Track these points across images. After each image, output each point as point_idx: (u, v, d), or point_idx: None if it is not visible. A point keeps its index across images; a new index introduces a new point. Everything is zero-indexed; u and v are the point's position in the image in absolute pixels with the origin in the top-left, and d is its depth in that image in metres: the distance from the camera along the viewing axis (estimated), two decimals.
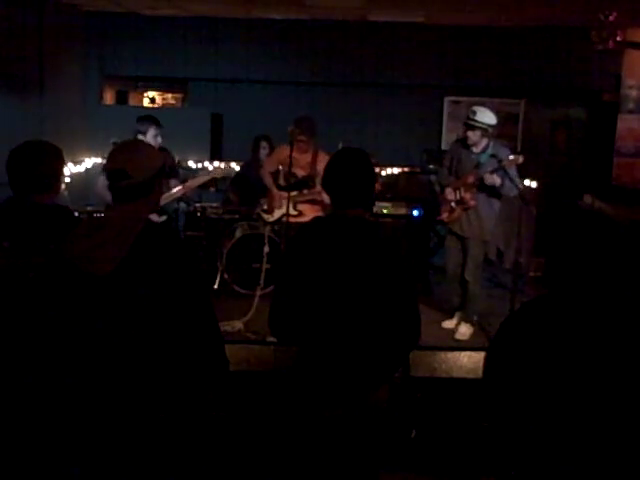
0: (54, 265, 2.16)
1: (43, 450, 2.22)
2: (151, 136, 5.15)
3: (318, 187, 5.18)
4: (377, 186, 4.43)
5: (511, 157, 4.80)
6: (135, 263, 2.06)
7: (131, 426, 2.09)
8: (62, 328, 2.12)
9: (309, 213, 5.03)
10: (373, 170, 2.59)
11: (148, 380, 2.10)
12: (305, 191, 5.17)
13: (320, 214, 5.08)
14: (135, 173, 2.13)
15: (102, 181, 5.33)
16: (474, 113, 4.79)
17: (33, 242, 2.48)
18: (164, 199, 5.07)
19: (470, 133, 4.82)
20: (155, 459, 2.12)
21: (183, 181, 5.46)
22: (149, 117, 5.31)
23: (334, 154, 2.68)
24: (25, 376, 2.39)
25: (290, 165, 4.91)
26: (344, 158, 2.60)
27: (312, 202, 5.19)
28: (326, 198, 5.00)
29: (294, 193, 5.21)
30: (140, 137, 5.13)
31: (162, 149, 5.17)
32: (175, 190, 5.23)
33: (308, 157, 5.16)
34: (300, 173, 5.22)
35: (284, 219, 5.29)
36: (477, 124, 4.77)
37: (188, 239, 6.17)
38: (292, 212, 5.23)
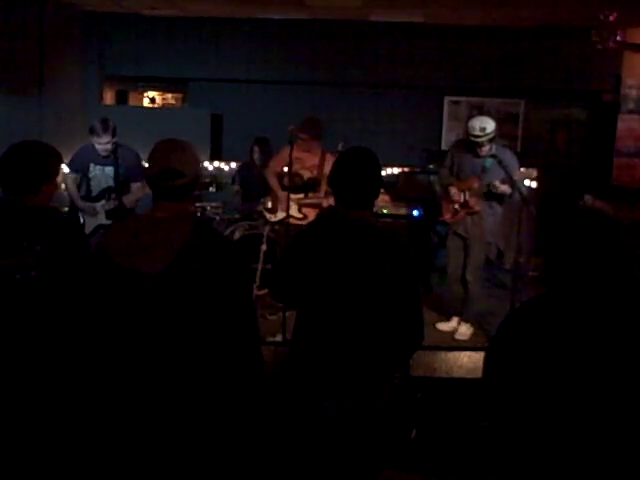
0: (94, 263, 2.15)
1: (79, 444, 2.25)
2: (96, 142, 4.85)
3: (323, 191, 5.11)
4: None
5: (522, 169, 4.81)
6: (185, 262, 2.06)
7: (169, 422, 2.11)
8: (108, 325, 2.12)
9: (313, 217, 4.92)
10: (380, 172, 2.57)
11: (189, 377, 2.12)
12: (310, 194, 5.05)
13: None
14: (188, 172, 2.13)
15: (72, 180, 5.09)
16: (483, 129, 4.70)
17: (20, 243, 2.47)
18: (129, 202, 4.94)
19: (484, 148, 4.79)
20: (191, 451, 2.13)
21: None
22: (103, 119, 4.91)
23: (342, 153, 2.65)
24: (57, 375, 2.42)
25: (290, 165, 4.88)
26: (353, 159, 2.56)
27: (316, 206, 5.04)
28: (326, 203, 4.99)
29: (299, 195, 5.15)
30: (94, 139, 4.90)
31: (128, 149, 5.01)
32: (139, 193, 5.03)
33: (315, 159, 5.05)
34: (306, 175, 5.12)
35: (288, 220, 5.28)
36: (489, 136, 4.74)
37: None
38: (296, 215, 5.18)
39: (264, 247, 5.38)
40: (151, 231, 2.08)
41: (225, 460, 2.24)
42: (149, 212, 2.20)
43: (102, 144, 4.87)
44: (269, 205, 5.42)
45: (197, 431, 2.14)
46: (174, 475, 2.14)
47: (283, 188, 5.28)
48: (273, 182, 5.32)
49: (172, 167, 2.11)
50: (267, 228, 5.47)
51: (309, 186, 5.08)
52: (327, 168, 5.08)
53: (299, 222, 5.11)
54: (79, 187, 5.16)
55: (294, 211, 5.21)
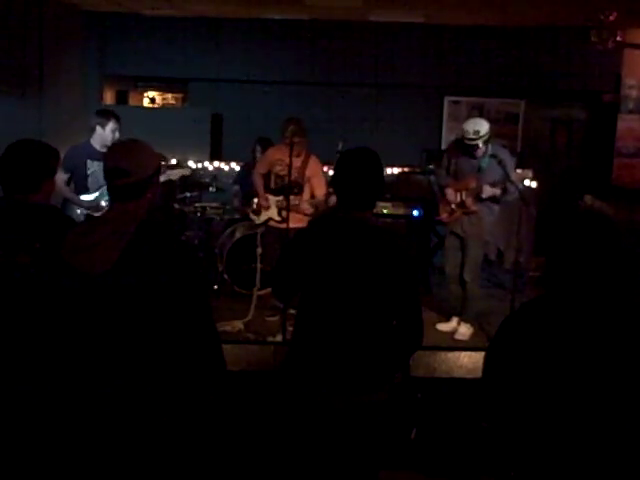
0: (51, 265, 2.12)
1: (41, 453, 2.22)
2: (109, 130, 5.05)
3: (305, 195, 5.06)
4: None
5: (519, 171, 4.84)
6: (131, 263, 2.03)
7: (129, 427, 2.08)
8: (57, 327, 2.09)
9: (292, 221, 4.80)
10: (382, 172, 2.55)
11: (144, 379, 2.08)
12: (292, 197, 4.93)
13: (303, 224, 5.02)
14: (134, 172, 2.10)
15: (61, 180, 5.04)
16: (477, 132, 4.73)
17: (19, 241, 2.47)
18: None
19: (480, 150, 4.82)
20: (154, 459, 2.11)
21: None
22: (109, 111, 5.24)
23: (344, 153, 2.62)
24: (18, 375, 2.39)
25: (290, 165, 4.87)
26: (357, 159, 2.53)
27: (296, 209, 4.95)
28: (306, 208, 4.95)
29: (280, 198, 5.14)
30: (98, 129, 5.05)
31: None
32: None
33: (298, 162, 4.99)
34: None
35: (269, 223, 5.27)
36: (483, 138, 4.75)
37: (188, 239, 6.16)
38: (276, 217, 5.21)
39: (259, 250, 5.39)
40: (96, 231, 2.07)
41: (191, 459, 2.22)
42: (102, 212, 2.20)
43: (115, 127, 5.05)
44: (254, 207, 5.42)
45: (158, 434, 2.10)
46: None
47: (267, 190, 5.26)
48: (258, 184, 5.30)
49: (118, 166, 2.10)
50: (260, 230, 5.48)
51: (290, 188, 4.98)
52: (309, 171, 5.07)
53: (279, 225, 5.10)
54: (67, 186, 5.20)
55: (274, 214, 5.21)
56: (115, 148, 2.21)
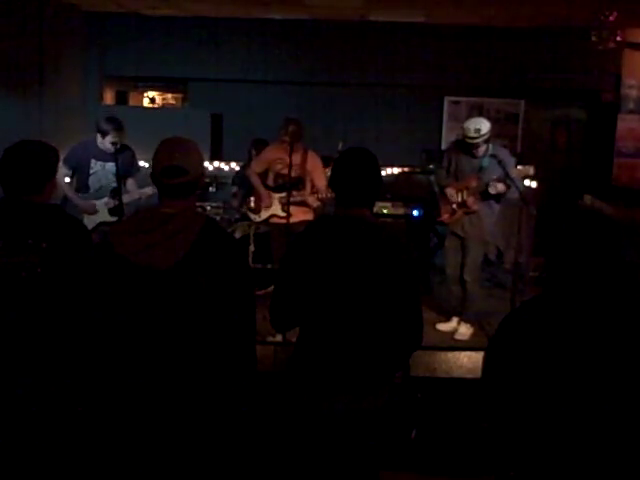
0: (101, 259, 2.17)
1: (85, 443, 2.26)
2: (108, 142, 4.89)
3: (307, 189, 5.08)
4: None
5: (520, 167, 4.85)
6: (195, 258, 2.10)
7: (169, 417, 2.14)
8: (116, 321, 2.14)
9: (297, 215, 4.86)
10: (379, 171, 2.59)
11: (190, 372, 2.14)
12: (294, 192, 4.95)
13: (309, 216, 5.02)
14: (192, 170, 2.17)
15: (62, 172, 4.98)
16: (478, 130, 4.74)
17: (25, 241, 2.48)
18: (125, 199, 4.89)
19: (480, 149, 4.82)
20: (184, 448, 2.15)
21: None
22: (110, 122, 4.99)
23: (342, 153, 2.66)
24: (59, 373, 2.43)
25: (290, 165, 4.87)
26: (353, 158, 2.58)
27: (300, 204, 5.00)
28: (312, 201, 4.98)
29: (282, 194, 5.13)
30: (99, 138, 4.95)
31: (124, 146, 5.02)
32: (136, 193, 5.13)
33: (297, 158, 4.99)
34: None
35: (272, 220, 5.27)
36: (484, 137, 4.76)
37: None
38: (280, 213, 5.18)
39: (252, 248, 5.39)
40: (162, 227, 2.12)
41: (218, 456, 2.25)
42: (155, 209, 2.21)
43: (115, 140, 4.90)
44: (252, 205, 5.40)
45: (194, 427, 2.16)
46: (169, 471, 2.16)
47: (267, 188, 5.25)
48: (255, 181, 5.27)
49: (176, 165, 2.14)
50: (252, 228, 5.47)
51: (292, 185, 4.97)
52: (309, 165, 5.08)
53: (283, 221, 5.10)
54: (69, 183, 5.16)
55: (277, 210, 5.20)
56: (166, 147, 2.22)
